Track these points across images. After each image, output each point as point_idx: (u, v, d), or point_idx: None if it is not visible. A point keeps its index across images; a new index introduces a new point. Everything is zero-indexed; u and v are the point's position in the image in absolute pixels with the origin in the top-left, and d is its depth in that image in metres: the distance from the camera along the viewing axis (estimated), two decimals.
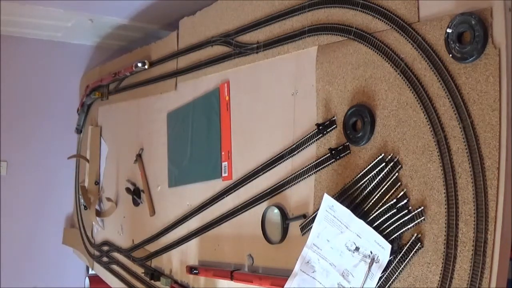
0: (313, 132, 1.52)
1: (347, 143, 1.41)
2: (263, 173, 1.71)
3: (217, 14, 2.03)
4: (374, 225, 1.29)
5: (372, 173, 1.32)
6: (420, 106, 1.23)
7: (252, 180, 1.76)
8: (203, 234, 2.02)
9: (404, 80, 1.27)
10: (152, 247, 2.43)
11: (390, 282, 1.26)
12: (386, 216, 1.27)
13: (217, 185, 1.94)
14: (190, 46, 2.20)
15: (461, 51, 1.14)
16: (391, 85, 1.31)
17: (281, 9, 1.68)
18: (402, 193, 1.25)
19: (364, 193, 1.34)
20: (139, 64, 2.54)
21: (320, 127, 1.47)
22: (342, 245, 1.34)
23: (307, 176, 1.52)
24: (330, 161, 1.45)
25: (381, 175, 1.30)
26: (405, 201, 1.24)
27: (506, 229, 1.07)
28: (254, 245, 1.73)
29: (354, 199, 1.36)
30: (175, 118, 2.31)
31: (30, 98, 3.50)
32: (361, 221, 1.31)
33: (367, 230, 1.29)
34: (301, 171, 1.55)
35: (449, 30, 1.17)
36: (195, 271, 1.99)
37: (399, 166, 1.27)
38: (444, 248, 1.15)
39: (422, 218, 1.20)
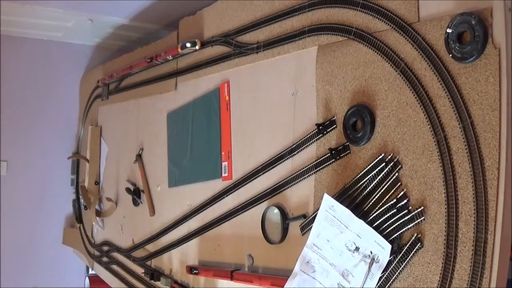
0: (313, 132, 1.52)
1: (347, 143, 1.41)
2: (263, 173, 1.71)
3: (217, 14, 2.03)
4: (374, 225, 1.29)
5: (372, 173, 1.32)
6: (420, 106, 1.23)
7: (252, 180, 1.76)
8: (203, 234, 2.02)
9: (404, 80, 1.27)
10: (152, 247, 2.43)
11: (390, 282, 1.26)
12: (386, 216, 1.27)
13: (217, 185, 1.94)
14: None
15: (461, 51, 1.14)
16: (391, 85, 1.31)
17: (281, 9, 1.68)
18: (402, 193, 1.25)
19: (364, 193, 1.34)
20: (188, 44, 2.09)
21: (320, 127, 1.47)
22: (342, 245, 1.34)
23: (307, 176, 1.52)
24: (330, 161, 1.45)
25: (381, 175, 1.30)
26: (405, 201, 1.24)
27: (506, 229, 1.07)
28: (254, 245, 1.73)
29: (354, 199, 1.36)
30: (175, 118, 2.31)
31: (30, 98, 3.50)
32: (361, 221, 1.31)
33: (367, 230, 1.29)
34: (301, 171, 1.55)
35: (449, 30, 1.17)
36: (195, 271, 1.99)
37: (399, 166, 1.27)
38: (444, 248, 1.15)
39: (422, 218, 1.20)
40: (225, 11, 1.98)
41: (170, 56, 2.28)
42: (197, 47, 2.07)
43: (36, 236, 3.52)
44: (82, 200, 3.18)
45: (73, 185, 3.39)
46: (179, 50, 2.15)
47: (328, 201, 1.39)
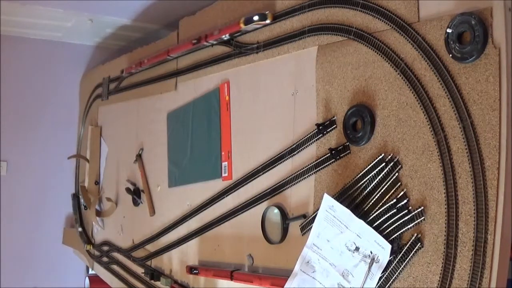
0: (313, 132, 1.52)
1: (347, 143, 1.41)
2: (263, 173, 1.71)
3: (217, 14, 2.03)
4: (374, 225, 1.29)
5: (372, 173, 1.32)
6: (420, 106, 1.23)
7: (252, 180, 1.76)
8: (203, 234, 2.02)
9: (404, 80, 1.27)
10: (152, 247, 2.43)
11: (390, 282, 1.26)
12: (386, 216, 1.27)
13: (217, 185, 1.94)
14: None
15: (461, 51, 1.14)
16: (391, 85, 1.31)
17: (281, 9, 1.68)
18: (402, 193, 1.25)
19: (364, 193, 1.34)
20: (255, 18, 1.64)
21: (320, 127, 1.47)
22: (342, 245, 1.34)
23: (307, 176, 1.52)
24: (330, 161, 1.45)
25: (381, 175, 1.30)
26: (405, 201, 1.24)
27: (506, 229, 1.07)
28: (254, 245, 1.73)
29: (354, 199, 1.36)
30: (175, 118, 2.31)
31: (30, 98, 3.50)
32: (361, 221, 1.31)
33: (367, 230, 1.29)
34: (301, 171, 1.55)
35: (449, 30, 1.17)
36: (195, 271, 1.99)
37: (399, 166, 1.27)
38: (444, 248, 1.15)
39: (422, 218, 1.20)
40: (225, 11, 1.98)
41: (227, 35, 1.86)
42: (268, 21, 1.64)
43: (36, 236, 3.51)
44: (82, 200, 3.18)
45: (78, 223, 3.34)
46: (242, 25, 1.70)
47: (328, 201, 1.39)
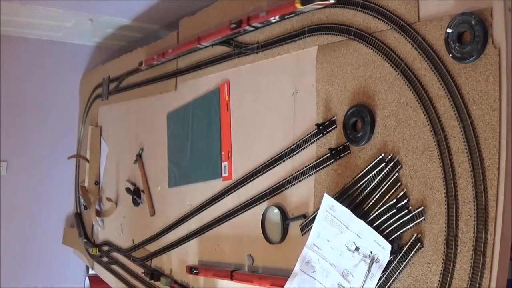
0: (313, 132, 1.52)
1: (347, 143, 1.41)
2: (263, 173, 1.71)
3: (217, 14, 2.03)
4: (374, 225, 1.29)
5: (372, 173, 1.32)
6: (420, 106, 1.23)
7: (252, 180, 1.76)
8: (203, 234, 2.02)
9: (404, 80, 1.27)
10: (152, 247, 2.43)
11: (390, 282, 1.26)
12: (386, 216, 1.27)
13: (217, 185, 1.94)
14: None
15: (461, 51, 1.14)
16: (391, 85, 1.31)
17: None
18: (402, 193, 1.25)
19: (364, 193, 1.34)
20: None
21: (320, 127, 1.47)
22: (342, 245, 1.34)
23: (307, 176, 1.52)
24: (330, 161, 1.45)
25: (381, 175, 1.30)
26: (405, 201, 1.24)
27: (506, 229, 1.07)
28: (254, 245, 1.73)
29: (354, 199, 1.36)
30: (175, 118, 2.31)
31: (30, 98, 3.50)
32: (361, 221, 1.31)
33: (367, 230, 1.29)
34: (301, 171, 1.55)
35: (449, 30, 1.17)
36: (195, 271, 1.99)
37: (399, 166, 1.27)
38: (444, 248, 1.15)
39: (422, 218, 1.20)
40: (225, 11, 1.98)
41: (277, 17, 1.62)
42: (332, 1, 1.45)
43: (36, 236, 3.51)
44: (82, 200, 3.18)
45: (82, 236, 3.30)
46: (298, 6, 1.48)
47: (328, 201, 1.39)
